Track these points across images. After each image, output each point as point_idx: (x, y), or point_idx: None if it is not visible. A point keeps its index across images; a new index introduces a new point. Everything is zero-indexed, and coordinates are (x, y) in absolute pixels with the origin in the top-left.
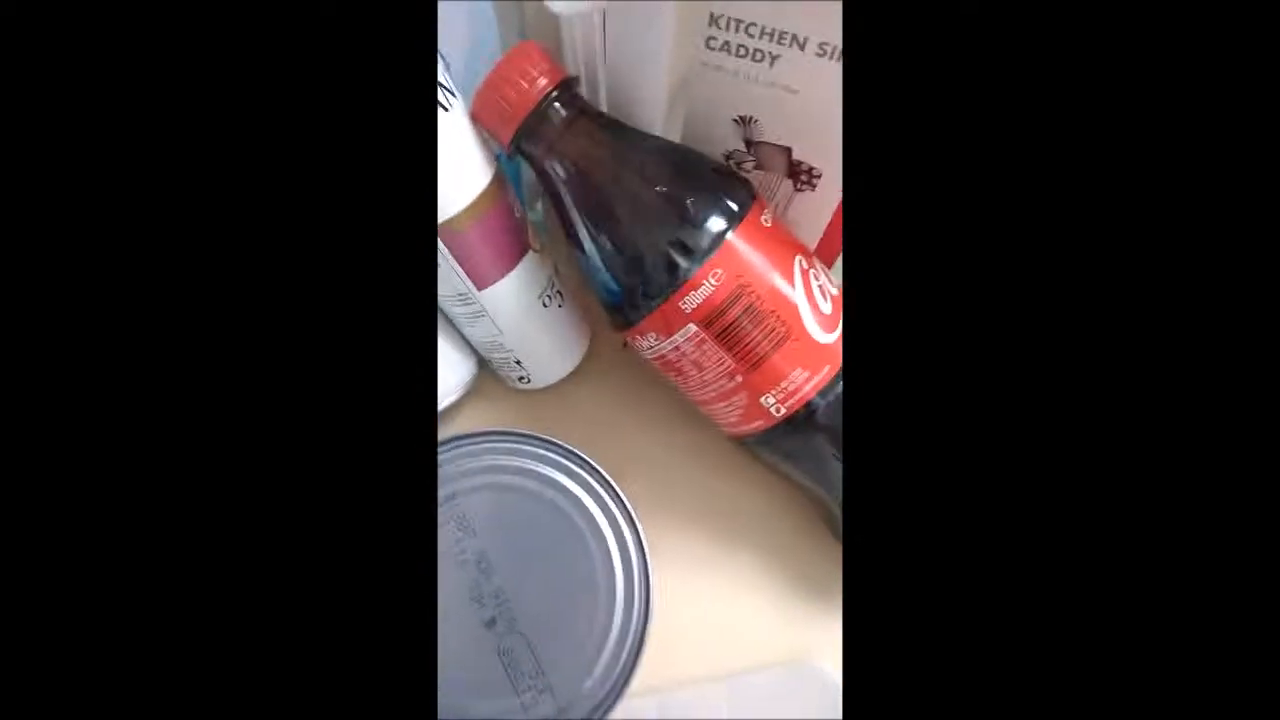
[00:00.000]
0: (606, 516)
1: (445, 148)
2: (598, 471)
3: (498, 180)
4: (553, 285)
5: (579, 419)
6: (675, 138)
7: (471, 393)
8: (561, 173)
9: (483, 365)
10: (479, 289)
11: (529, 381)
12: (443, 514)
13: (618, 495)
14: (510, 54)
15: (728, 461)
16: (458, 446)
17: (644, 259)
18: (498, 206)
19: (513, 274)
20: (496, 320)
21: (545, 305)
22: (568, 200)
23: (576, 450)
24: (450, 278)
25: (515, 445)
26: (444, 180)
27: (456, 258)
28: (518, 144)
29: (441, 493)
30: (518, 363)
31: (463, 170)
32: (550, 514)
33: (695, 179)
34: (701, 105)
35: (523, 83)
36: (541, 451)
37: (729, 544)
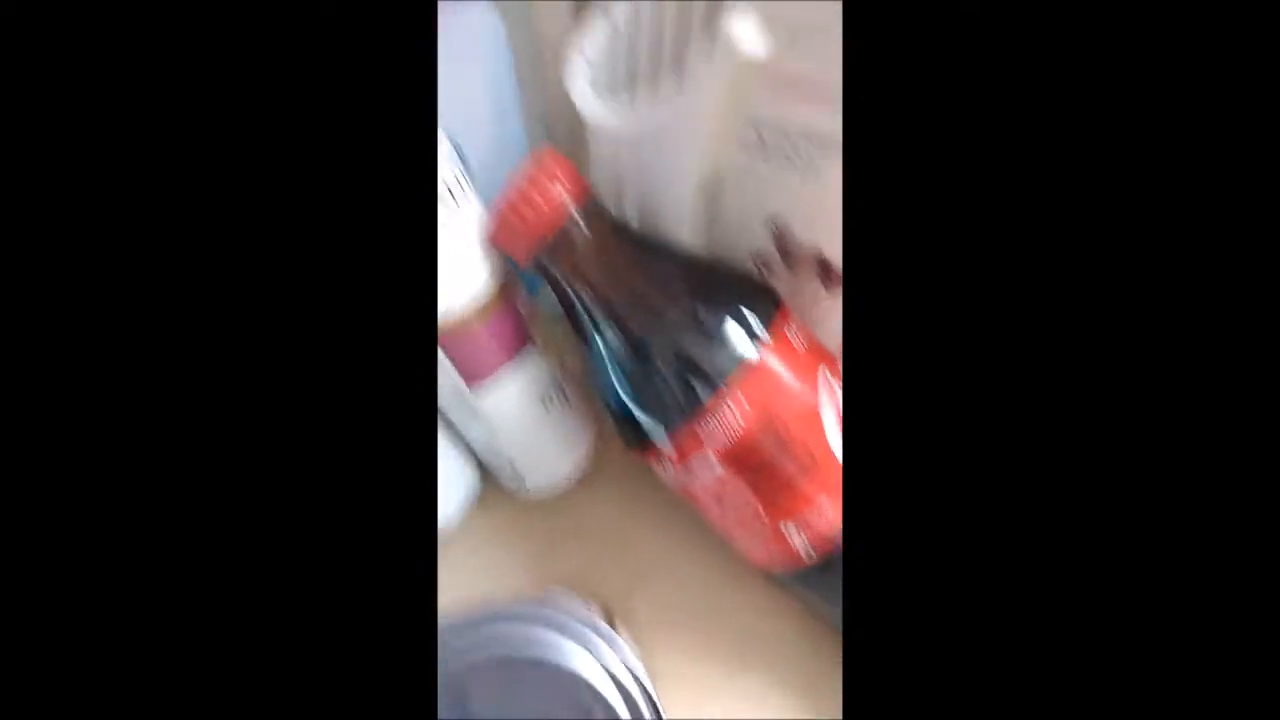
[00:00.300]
0: (621, 693)
1: (453, 245)
2: (612, 637)
3: (507, 279)
4: (555, 383)
5: (585, 531)
6: (700, 237)
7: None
8: (579, 287)
9: (485, 470)
10: (472, 387)
11: (526, 489)
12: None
13: (633, 672)
14: (530, 170)
15: (744, 579)
16: (458, 633)
17: (661, 381)
18: (504, 305)
19: (512, 371)
20: (492, 421)
21: (546, 406)
22: (582, 311)
23: (588, 624)
24: (442, 374)
25: (516, 627)
26: (447, 278)
27: (451, 356)
28: (535, 264)
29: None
30: (513, 467)
31: (468, 269)
32: (554, 691)
33: (719, 295)
34: (732, 206)
35: (543, 202)
36: (545, 626)
37: (741, 668)
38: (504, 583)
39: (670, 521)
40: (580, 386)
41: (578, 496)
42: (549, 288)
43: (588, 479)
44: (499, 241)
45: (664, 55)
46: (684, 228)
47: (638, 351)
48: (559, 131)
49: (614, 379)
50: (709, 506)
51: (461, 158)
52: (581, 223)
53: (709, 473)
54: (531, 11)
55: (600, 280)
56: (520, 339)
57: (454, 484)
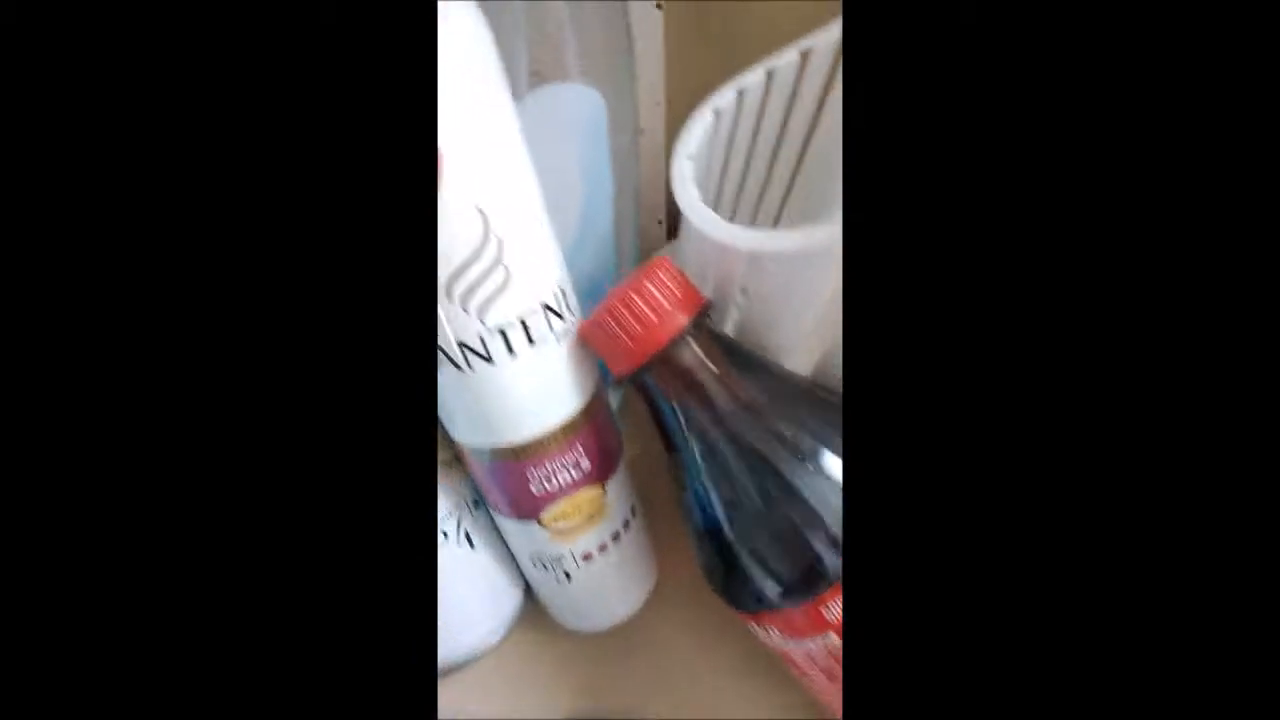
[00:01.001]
0: None
1: (549, 368)
2: None
3: (597, 396)
4: (629, 514)
5: (638, 653)
6: (811, 363)
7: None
8: (683, 417)
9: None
10: (540, 517)
11: (576, 628)
12: None
13: None
14: (644, 279)
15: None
16: None
17: (781, 550)
18: (589, 425)
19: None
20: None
21: (616, 541)
22: (683, 433)
23: None
24: (501, 494)
25: None
26: (534, 402)
27: (524, 478)
28: (634, 379)
29: None
30: (567, 611)
31: (558, 391)
32: None
33: None
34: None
35: (656, 317)
36: None
37: None
38: (547, 705)
39: (735, 653)
40: (648, 513)
41: (638, 618)
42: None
43: (654, 598)
44: (598, 349)
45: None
46: (798, 355)
47: (762, 495)
48: (648, 222)
49: (722, 520)
50: (813, 676)
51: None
52: (693, 341)
53: (825, 650)
54: (636, 100)
55: (706, 405)
56: (605, 468)
57: (501, 602)
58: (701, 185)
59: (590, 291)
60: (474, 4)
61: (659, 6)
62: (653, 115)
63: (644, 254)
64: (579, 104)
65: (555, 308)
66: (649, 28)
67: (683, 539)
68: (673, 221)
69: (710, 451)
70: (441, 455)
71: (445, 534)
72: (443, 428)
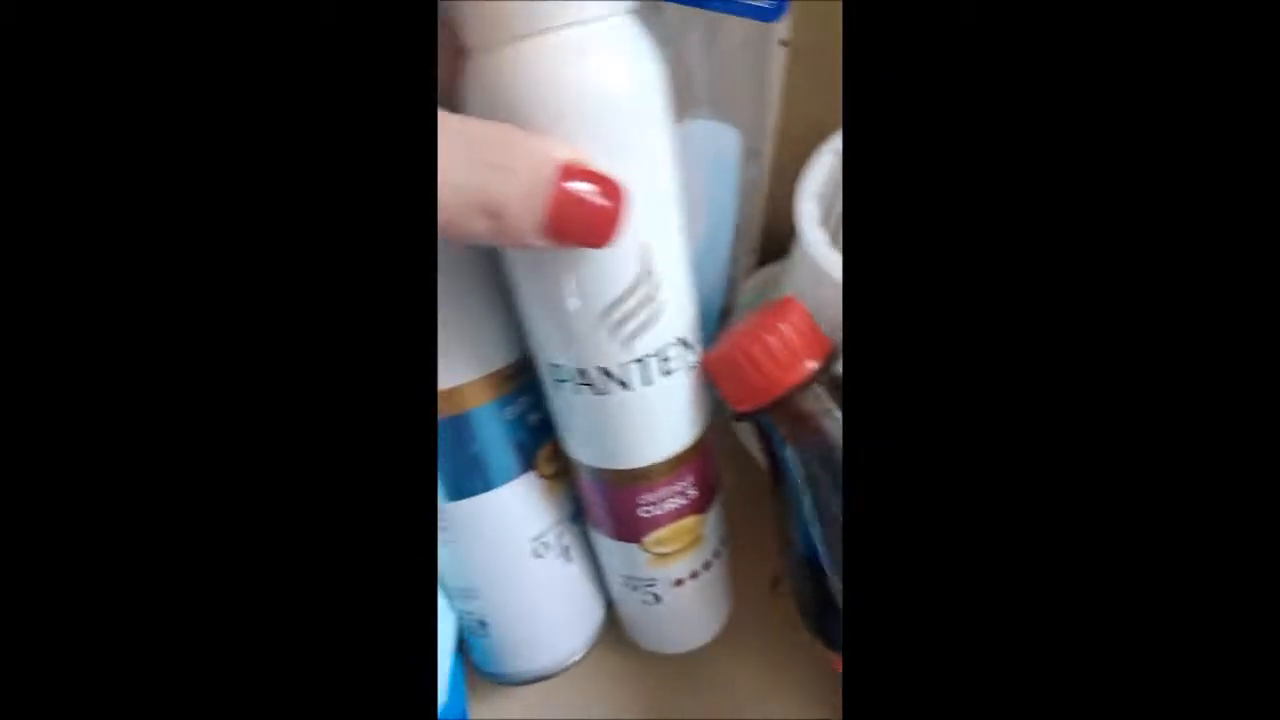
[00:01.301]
0: None
1: (671, 399)
2: None
3: (709, 428)
4: (720, 544)
5: (706, 689)
6: None
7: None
8: (798, 457)
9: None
10: (640, 542)
11: (649, 649)
12: None
13: None
14: (774, 320)
15: None
16: None
17: None
18: (703, 453)
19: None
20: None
21: (706, 570)
22: (793, 484)
23: None
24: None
25: None
26: (652, 430)
27: (631, 502)
28: (750, 415)
29: None
30: (649, 632)
31: (675, 423)
32: None
33: None
34: None
35: (784, 359)
36: None
37: None
38: None
39: (802, 688)
40: (737, 538)
41: (709, 644)
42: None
43: (725, 628)
44: (721, 384)
45: None
46: None
47: None
48: (739, 253)
49: (824, 559)
50: None
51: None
52: (819, 385)
53: None
54: (764, 136)
55: (829, 447)
56: (706, 498)
57: (589, 616)
58: (822, 226)
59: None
60: (648, 38)
61: (783, 44)
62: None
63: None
64: (714, 139)
65: (689, 341)
66: (772, 64)
67: (755, 575)
68: (763, 254)
69: (820, 491)
70: (548, 469)
71: (547, 545)
72: (556, 443)
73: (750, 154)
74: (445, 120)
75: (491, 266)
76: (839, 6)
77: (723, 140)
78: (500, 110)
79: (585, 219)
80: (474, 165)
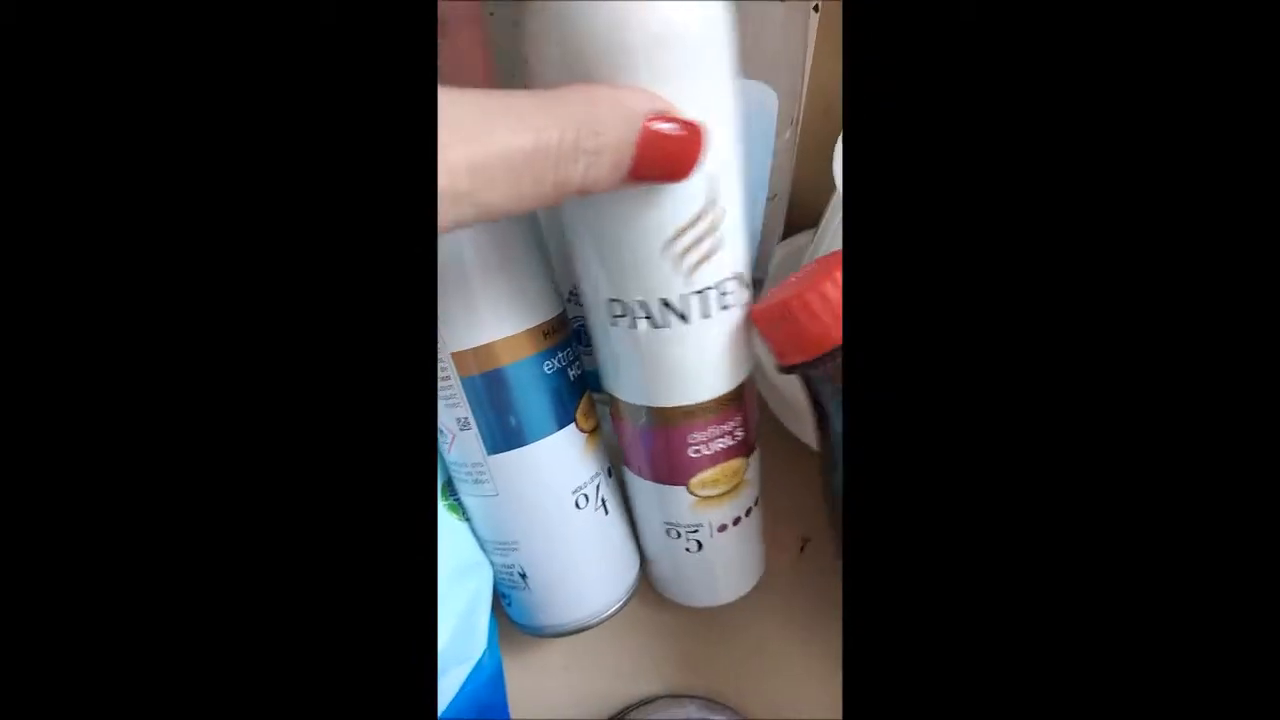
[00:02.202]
0: None
1: (718, 339)
2: None
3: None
4: (757, 497)
5: (736, 645)
6: None
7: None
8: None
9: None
10: (677, 482)
11: (680, 601)
12: None
13: None
14: (816, 275)
15: None
16: None
17: None
18: (749, 394)
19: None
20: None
21: (749, 515)
22: (840, 431)
23: None
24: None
25: None
26: (696, 371)
27: (672, 444)
28: (797, 368)
29: None
30: (681, 584)
31: (718, 366)
32: None
33: None
34: None
35: (838, 309)
36: None
37: None
38: (648, 674)
39: (830, 646)
40: (766, 502)
41: (739, 603)
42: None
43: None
44: (770, 336)
45: None
46: None
47: None
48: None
49: None
50: None
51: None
52: None
53: None
54: (802, 100)
55: None
56: (750, 441)
57: (627, 568)
58: None
59: None
60: None
61: (816, 9)
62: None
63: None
64: (755, 100)
65: (745, 278)
66: (808, 30)
67: (784, 537)
68: (788, 226)
69: None
70: (586, 423)
71: (586, 497)
72: (591, 397)
73: (786, 120)
74: (526, 95)
75: (530, 222)
76: None
77: (764, 102)
78: (571, 54)
79: (668, 161)
80: (565, 128)
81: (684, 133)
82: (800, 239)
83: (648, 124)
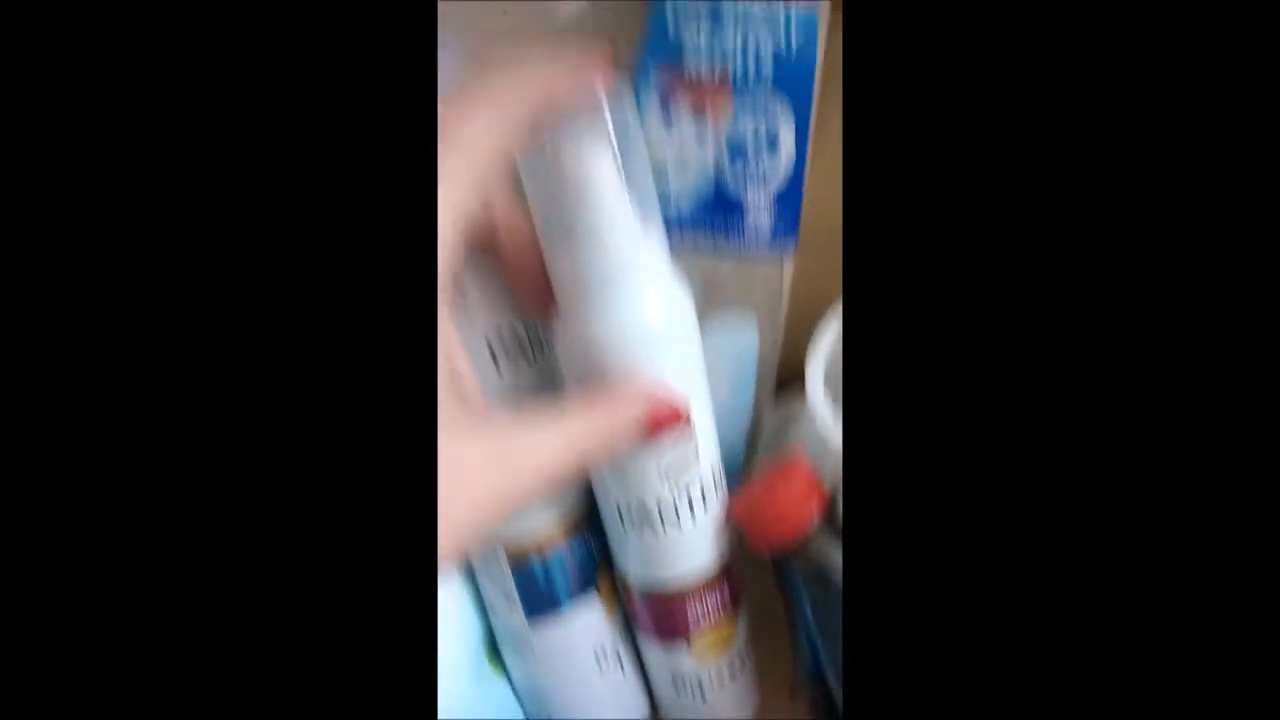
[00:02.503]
0: None
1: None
2: None
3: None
4: (749, 645)
5: None
6: None
7: None
8: (802, 581)
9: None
10: (666, 644)
11: None
12: None
13: None
14: (784, 477)
15: None
16: None
17: None
18: (722, 581)
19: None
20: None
21: (744, 663)
22: (798, 607)
23: None
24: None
25: None
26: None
27: (676, 614)
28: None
29: None
30: None
31: (699, 551)
32: None
33: None
34: None
35: (792, 515)
36: None
37: None
38: None
39: None
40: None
41: None
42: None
43: None
44: (744, 528)
45: None
46: None
47: None
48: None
49: (827, 669)
50: None
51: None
52: (821, 531)
53: None
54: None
55: (826, 578)
56: (737, 602)
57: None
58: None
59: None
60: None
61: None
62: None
63: None
64: (735, 333)
65: (719, 479)
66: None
67: (776, 681)
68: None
69: (821, 610)
70: (605, 588)
71: (605, 654)
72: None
73: (766, 344)
74: (567, 420)
75: None
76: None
77: (744, 333)
78: (591, 358)
79: (667, 425)
80: (599, 429)
81: (674, 410)
82: (795, 406)
83: (650, 409)
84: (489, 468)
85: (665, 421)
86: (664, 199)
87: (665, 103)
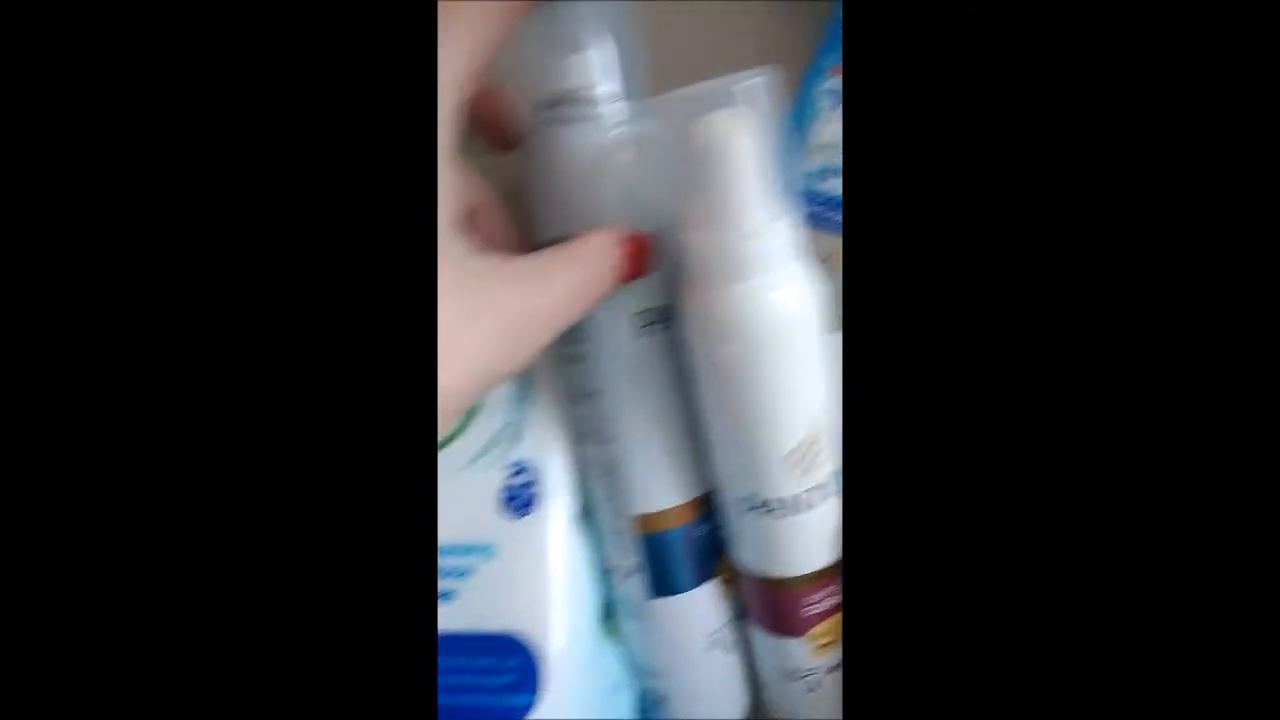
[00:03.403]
0: None
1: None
2: None
3: None
4: None
5: None
6: None
7: None
8: None
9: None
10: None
11: None
12: None
13: None
14: None
15: None
16: None
17: None
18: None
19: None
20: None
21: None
22: None
23: None
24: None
25: None
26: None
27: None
28: None
29: None
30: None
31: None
32: None
33: None
34: None
35: None
36: None
37: None
38: None
39: None
40: None
41: None
42: None
43: None
44: None
45: None
46: None
47: None
48: None
49: None
50: None
51: None
52: None
53: None
54: None
55: None
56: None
57: (739, 699)
58: None
59: None
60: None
61: None
62: None
63: None
64: None
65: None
66: None
67: None
68: None
69: None
70: (725, 575)
71: (718, 640)
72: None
73: None
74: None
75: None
76: None
77: None
78: (726, 335)
79: (639, 259)
80: (578, 278)
81: (641, 243)
82: None
83: (619, 249)
84: (475, 323)
85: (637, 256)
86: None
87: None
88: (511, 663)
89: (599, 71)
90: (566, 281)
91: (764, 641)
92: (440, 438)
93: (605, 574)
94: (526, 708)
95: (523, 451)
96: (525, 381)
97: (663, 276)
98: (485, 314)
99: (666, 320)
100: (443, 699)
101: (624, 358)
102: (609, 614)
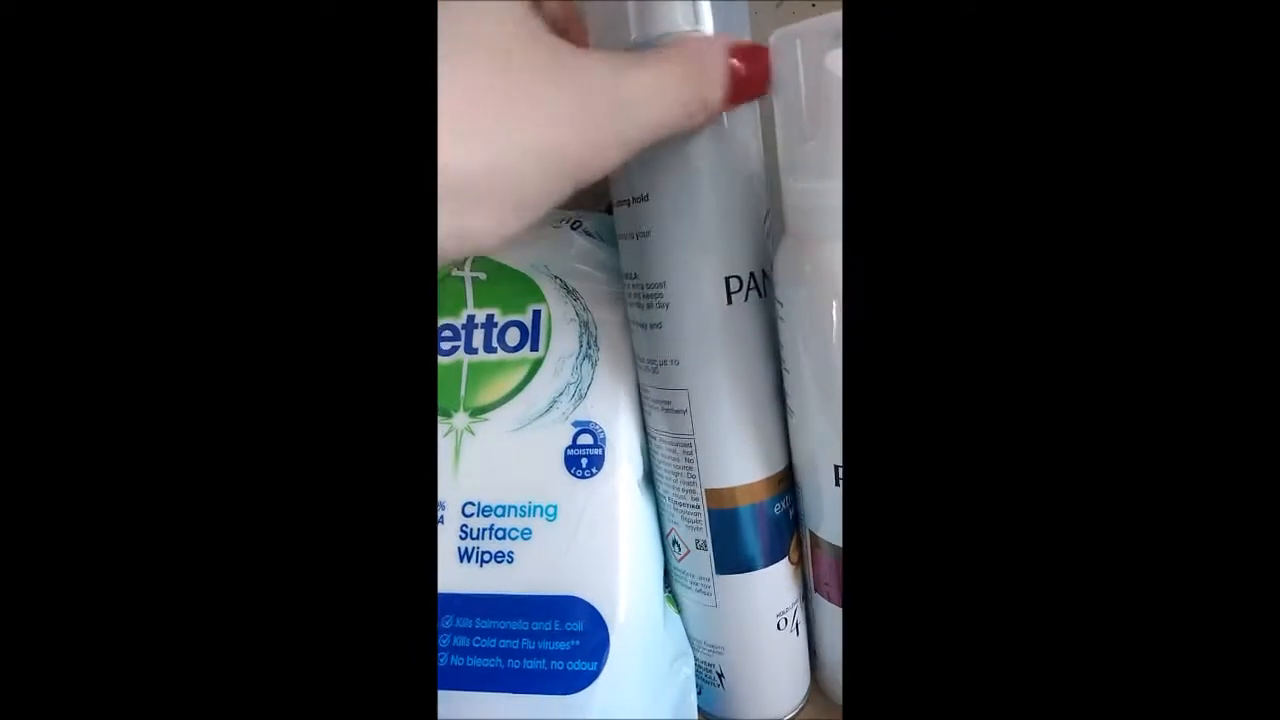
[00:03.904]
0: None
1: None
2: None
3: None
4: None
5: None
6: None
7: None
8: None
9: None
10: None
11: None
12: None
13: None
14: None
15: None
16: None
17: None
18: None
19: None
20: None
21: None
22: None
23: None
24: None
25: None
26: None
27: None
28: None
29: None
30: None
31: None
32: None
33: None
34: None
35: None
36: None
37: None
38: None
39: None
40: None
41: None
42: None
43: None
44: None
45: None
46: None
47: None
48: None
49: None
50: None
51: None
52: None
53: None
54: None
55: None
56: None
57: (801, 680)
58: None
59: None
60: None
61: None
62: None
63: None
64: None
65: None
66: None
67: None
68: None
69: None
70: (795, 556)
71: (786, 620)
72: (799, 535)
73: None
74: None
75: (776, 390)
76: None
77: None
78: (828, 291)
79: (755, 67)
80: (680, 85)
81: (758, 49)
82: None
83: (730, 59)
84: (582, 113)
85: (752, 69)
86: None
87: None
88: (574, 628)
89: (698, 13)
90: (663, 79)
91: (830, 611)
92: (500, 392)
93: (665, 544)
94: (593, 675)
95: (587, 412)
96: (587, 339)
97: (752, 235)
98: (565, 92)
99: (755, 289)
100: (498, 663)
101: (707, 327)
102: (666, 584)
